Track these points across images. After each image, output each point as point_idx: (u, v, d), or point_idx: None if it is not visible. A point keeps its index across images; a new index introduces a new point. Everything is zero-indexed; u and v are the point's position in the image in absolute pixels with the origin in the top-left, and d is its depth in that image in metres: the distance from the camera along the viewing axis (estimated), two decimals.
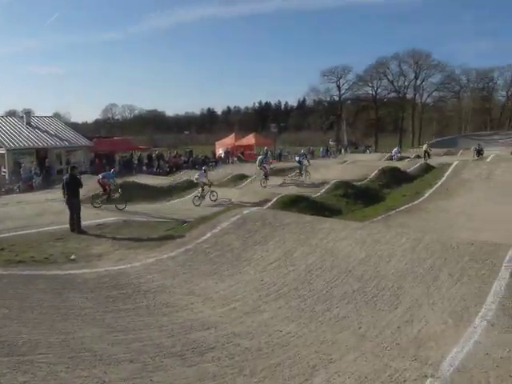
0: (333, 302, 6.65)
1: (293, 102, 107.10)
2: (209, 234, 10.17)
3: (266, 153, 25.40)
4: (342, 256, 7.80)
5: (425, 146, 39.46)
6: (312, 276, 7.45)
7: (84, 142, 34.65)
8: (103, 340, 5.50)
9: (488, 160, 27.61)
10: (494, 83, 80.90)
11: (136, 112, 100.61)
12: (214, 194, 19.00)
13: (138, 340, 5.58)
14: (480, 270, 6.51)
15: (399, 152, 40.18)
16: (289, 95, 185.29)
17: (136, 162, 37.70)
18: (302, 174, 24.54)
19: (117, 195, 17.37)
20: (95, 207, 16.44)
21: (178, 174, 32.56)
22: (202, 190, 18.94)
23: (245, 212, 10.90)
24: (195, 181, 19.52)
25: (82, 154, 33.82)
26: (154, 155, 39.13)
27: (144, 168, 36.60)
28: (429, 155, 35.83)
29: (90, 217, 13.19)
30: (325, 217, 13.68)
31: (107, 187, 17.27)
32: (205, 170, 20.21)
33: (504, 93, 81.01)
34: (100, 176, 17.90)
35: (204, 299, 7.13)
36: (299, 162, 24.92)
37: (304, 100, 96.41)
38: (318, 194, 19.23)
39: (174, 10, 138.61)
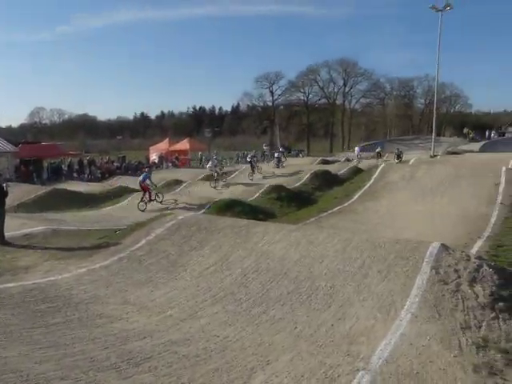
0: (269, 304, 6.73)
1: (227, 107, 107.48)
2: (143, 241, 9.94)
3: (216, 157, 26.61)
4: (276, 258, 7.91)
5: (378, 149, 41.41)
6: (248, 279, 7.50)
7: (8, 147, 32.70)
8: (30, 358, 5.20)
9: (410, 163, 29.12)
10: (414, 92, 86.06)
11: (66, 116, 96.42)
12: (160, 195, 18.69)
13: (69, 355, 5.34)
14: (405, 266, 6.85)
15: (361, 150, 41.98)
16: (223, 100, 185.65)
17: (66, 168, 36.16)
18: (254, 172, 27.39)
19: (160, 197, 18.89)
20: (141, 210, 17.42)
21: (110, 180, 31.59)
22: (148, 193, 18.37)
23: (180, 217, 10.77)
24: (140, 183, 18.72)
25: (5, 161, 31.89)
26: (85, 161, 37.74)
27: (75, 175, 35.19)
28: (381, 156, 37.57)
29: (15, 227, 12.45)
30: (260, 220, 13.84)
31: (148, 190, 18.51)
32: (149, 172, 19.96)
33: (422, 100, 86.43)
34: (141, 179, 18.79)
35: (139, 308, 6.96)
36: (250, 161, 28.05)
37: (238, 105, 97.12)
38: (253, 197, 19.40)
39: (105, 11, 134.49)
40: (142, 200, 18.25)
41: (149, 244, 9.73)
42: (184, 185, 24.93)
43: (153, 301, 7.23)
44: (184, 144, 48.73)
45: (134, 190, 22.88)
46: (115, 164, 39.51)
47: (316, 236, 8.33)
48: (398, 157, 35.59)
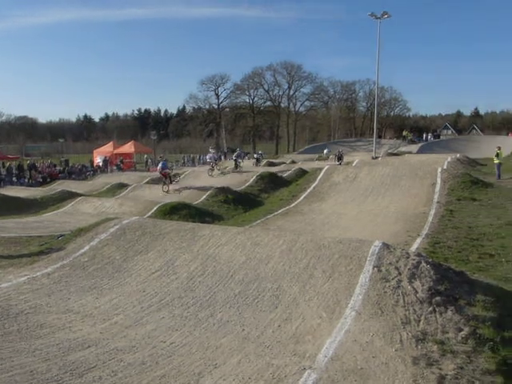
0: (216, 307, 6.70)
1: (173, 110, 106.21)
2: (87, 247, 9.61)
3: (165, 160, 27.28)
4: (223, 261, 7.89)
5: (339, 150, 42.16)
6: (194, 283, 7.43)
7: None
8: None
9: (354, 164, 30.01)
10: (356, 95, 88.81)
11: (3, 118, 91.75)
12: (177, 177, 23.33)
13: (5, 370, 5.05)
14: (348, 265, 7.03)
15: (330, 150, 42.88)
16: (169, 103, 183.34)
17: (4, 173, 34.38)
18: (237, 167, 31.58)
19: (177, 178, 24.02)
20: (165, 192, 21.84)
21: (53, 184, 30.38)
22: (168, 178, 22.24)
23: (124, 222, 10.51)
24: (160, 172, 22.54)
25: None
26: (25, 165, 36.06)
27: (14, 179, 33.52)
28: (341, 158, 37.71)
29: None
30: (206, 223, 13.77)
31: (168, 175, 22.78)
32: (166, 160, 24.43)
33: (364, 104, 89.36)
34: (160, 168, 22.82)
35: (83, 316, 6.72)
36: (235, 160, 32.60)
37: (184, 108, 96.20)
38: (200, 200, 19.27)
39: (44, 9, 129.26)
40: (164, 184, 22.45)
41: (93, 250, 9.43)
42: (129, 188, 24.38)
43: (97, 308, 7.00)
44: (129, 147, 47.79)
45: (77, 195, 22.17)
46: (57, 168, 38.05)
47: (262, 238, 8.37)
48: (339, 159, 36.35)
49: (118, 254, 9.05)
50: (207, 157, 30.35)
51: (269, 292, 6.83)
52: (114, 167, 41.30)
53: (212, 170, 28.44)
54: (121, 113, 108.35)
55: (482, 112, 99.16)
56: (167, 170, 22.88)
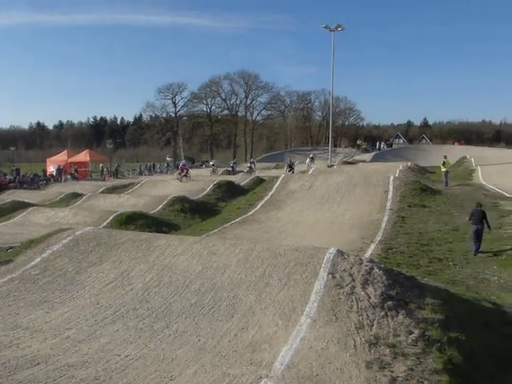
0: (172, 318, 6.61)
1: (129, 118, 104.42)
2: (38, 259, 9.26)
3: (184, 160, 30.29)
4: (179, 271, 7.80)
5: (310, 156, 42.23)
6: (150, 294, 7.31)
7: None
8: None
9: (310, 172, 30.44)
10: (312, 105, 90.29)
11: None
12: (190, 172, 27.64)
13: None
14: (304, 272, 7.10)
15: (312, 157, 43.42)
16: (125, 111, 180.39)
17: None
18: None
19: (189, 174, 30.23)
20: (182, 182, 28.13)
21: (3, 194, 29.15)
22: (186, 171, 29.15)
23: (77, 233, 10.21)
24: (181, 167, 30.51)
25: None
26: None
27: None
28: (292, 168, 36.48)
29: None
30: (163, 233, 13.59)
31: (186, 170, 30.04)
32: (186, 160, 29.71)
33: (320, 113, 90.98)
34: (181, 165, 32.55)
35: (32, 332, 6.45)
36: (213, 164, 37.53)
37: (141, 116, 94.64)
38: (156, 209, 19.03)
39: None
40: (180, 175, 29.26)
41: (44, 262, 9.09)
42: (83, 198, 23.76)
43: (48, 323, 6.75)
44: (84, 155, 46.60)
45: (29, 205, 21.40)
46: (8, 177, 36.57)
47: (218, 247, 8.35)
48: (290, 168, 35.92)
49: (70, 265, 8.78)
50: (181, 163, 34.38)
51: (225, 301, 6.81)
52: (68, 176, 40.15)
53: (184, 176, 29.66)
54: (75, 120, 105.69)
55: (430, 122, 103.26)
56: (187, 167, 31.68)
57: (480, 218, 11.51)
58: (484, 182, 23.38)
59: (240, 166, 51.23)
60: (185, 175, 29.18)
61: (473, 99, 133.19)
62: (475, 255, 11.18)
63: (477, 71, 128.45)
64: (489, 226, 11.60)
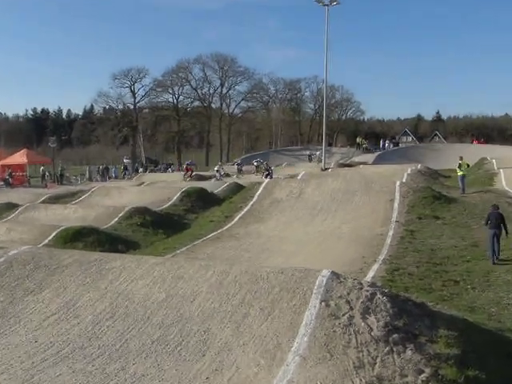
0: (128, 358, 6.54)
1: (78, 110, 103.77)
2: None
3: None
4: (137, 300, 7.74)
5: (266, 163, 42.39)
6: (102, 328, 7.23)
7: None
8: None
9: (299, 177, 30.61)
10: (302, 95, 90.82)
11: None
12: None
13: None
14: (291, 300, 7.11)
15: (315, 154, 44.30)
16: (72, 101, 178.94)
17: None
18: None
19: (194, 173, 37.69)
20: (187, 181, 34.25)
21: None
22: (191, 171, 37.26)
23: (11, 253, 10.05)
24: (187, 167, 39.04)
25: None
26: None
27: None
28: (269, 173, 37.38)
29: None
30: (119, 252, 13.49)
31: (191, 170, 37.83)
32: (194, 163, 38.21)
33: (312, 105, 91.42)
34: (186, 164, 40.57)
35: None
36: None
37: (92, 108, 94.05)
38: (110, 223, 18.90)
39: None
40: (186, 175, 37.60)
41: None
42: (19, 210, 23.46)
43: None
44: (20, 156, 46.06)
45: None
46: None
47: (186, 269, 8.31)
48: (267, 172, 35.76)
49: (1, 294, 8.64)
50: (186, 162, 42.44)
51: (195, 336, 6.77)
52: (1, 182, 39.64)
53: (190, 177, 37.11)
54: (10, 113, 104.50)
55: (444, 116, 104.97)
56: (192, 167, 39.73)
57: (498, 221, 12.68)
58: (508, 188, 23.82)
59: (213, 170, 51.26)
60: (190, 175, 37.04)
61: (494, 90, 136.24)
62: (494, 264, 12.22)
63: (498, 58, 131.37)
64: (506, 231, 12.73)
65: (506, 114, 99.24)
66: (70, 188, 34.55)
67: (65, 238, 16.06)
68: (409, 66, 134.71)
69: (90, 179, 46.29)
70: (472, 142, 62.92)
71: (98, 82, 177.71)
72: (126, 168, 50.87)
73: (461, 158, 24.06)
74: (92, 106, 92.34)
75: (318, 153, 47.98)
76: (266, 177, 34.02)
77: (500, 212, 13.06)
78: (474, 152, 41.97)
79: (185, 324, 7.04)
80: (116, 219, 19.50)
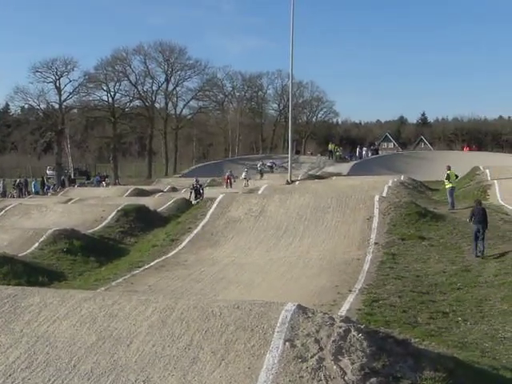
0: None
1: None
2: None
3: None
4: (61, 344, 7.59)
5: (196, 179, 42.59)
6: (16, 382, 7.02)
7: None
8: None
9: (260, 192, 30.71)
10: (264, 93, 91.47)
11: None
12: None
13: None
14: (249, 340, 7.09)
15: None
16: None
17: None
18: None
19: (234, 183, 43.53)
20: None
21: None
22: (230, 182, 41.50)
23: None
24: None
25: None
26: None
27: None
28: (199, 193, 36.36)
29: None
30: (38, 285, 13.23)
31: (230, 180, 43.81)
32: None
33: (276, 105, 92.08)
34: (228, 174, 44.61)
35: None
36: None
37: (7, 107, 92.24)
38: (29, 250, 18.54)
39: None
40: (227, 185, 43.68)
41: None
42: None
43: None
44: None
45: None
46: None
47: (121, 306, 8.22)
48: (197, 193, 32.89)
49: None
50: (227, 172, 46.21)
51: None
52: None
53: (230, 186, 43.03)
54: None
55: (430, 119, 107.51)
56: (233, 176, 45.21)
57: (482, 217, 15.72)
58: (503, 203, 24.46)
59: (157, 183, 51.01)
60: (230, 185, 42.79)
61: (487, 89, 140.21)
62: (478, 257, 15.28)
63: (491, 54, 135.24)
64: (486, 226, 15.79)
65: (501, 117, 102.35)
66: None
67: None
68: (390, 61, 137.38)
69: (4, 195, 45.53)
70: (462, 149, 64.59)
71: (14, 76, 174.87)
72: (47, 180, 50.17)
73: (448, 168, 24.58)
74: (7, 104, 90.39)
75: (277, 162, 48.54)
76: (194, 198, 32.00)
77: (484, 207, 16.43)
78: (464, 160, 43.07)
79: (120, 373, 6.94)
80: (36, 245, 19.12)
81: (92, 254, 18.92)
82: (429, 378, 6.63)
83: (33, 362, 7.40)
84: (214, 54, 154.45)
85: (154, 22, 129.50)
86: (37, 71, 75.85)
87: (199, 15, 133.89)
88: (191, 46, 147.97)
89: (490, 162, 40.33)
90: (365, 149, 66.30)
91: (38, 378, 7.10)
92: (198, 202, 28.47)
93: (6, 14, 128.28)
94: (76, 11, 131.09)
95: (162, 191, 41.58)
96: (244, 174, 45.86)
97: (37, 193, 47.28)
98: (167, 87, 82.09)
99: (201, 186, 34.33)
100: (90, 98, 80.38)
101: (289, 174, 42.78)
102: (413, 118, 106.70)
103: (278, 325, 7.25)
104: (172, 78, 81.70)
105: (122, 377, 6.90)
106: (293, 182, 39.98)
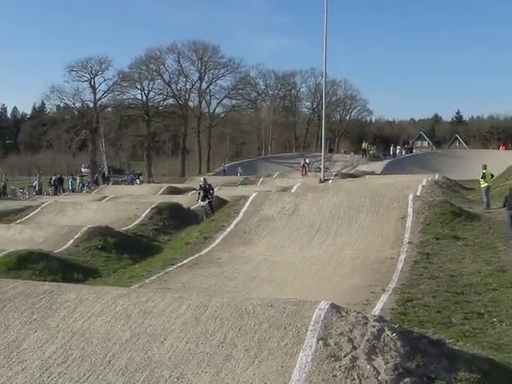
0: None
1: (26, 109, 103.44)
2: None
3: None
4: (96, 340, 7.67)
5: (204, 179, 42.54)
6: (52, 376, 7.14)
7: None
8: None
9: (293, 190, 30.65)
10: (297, 91, 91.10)
11: None
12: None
13: None
14: (282, 339, 7.09)
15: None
16: (19, 98, 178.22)
17: None
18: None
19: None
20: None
21: None
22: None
23: None
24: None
25: None
26: None
27: None
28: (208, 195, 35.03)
29: None
30: (73, 282, 13.39)
31: (305, 168, 50.69)
32: None
33: (309, 103, 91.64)
34: (302, 163, 51.40)
35: None
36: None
37: (43, 106, 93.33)
38: (64, 247, 18.77)
39: None
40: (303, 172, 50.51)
41: None
42: None
43: None
44: None
45: None
46: None
47: (155, 303, 8.26)
48: (205, 195, 27.14)
49: None
50: (303, 160, 52.84)
51: None
52: None
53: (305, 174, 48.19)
54: None
55: (465, 117, 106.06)
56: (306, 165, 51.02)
57: None
58: None
59: (190, 181, 51.07)
60: (305, 173, 47.48)
61: None
62: None
63: None
64: None
65: None
66: (15, 203, 34.27)
67: (7, 264, 15.87)
68: (424, 60, 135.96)
69: (40, 192, 46.06)
70: (498, 148, 63.54)
71: (50, 75, 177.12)
72: (82, 178, 50.73)
73: (484, 167, 24.24)
74: (43, 103, 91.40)
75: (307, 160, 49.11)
76: (202, 200, 26.84)
77: None
78: (500, 159, 42.31)
79: (154, 369, 6.98)
80: (71, 242, 19.35)
81: (126, 251, 19.06)
82: (463, 379, 6.55)
83: (68, 357, 7.48)
84: (247, 52, 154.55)
85: (182, 22, 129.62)
86: (72, 70, 77.06)
87: (229, 15, 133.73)
88: (224, 45, 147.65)
89: None
90: (399, 147, 65.74)
91: (73, 373, 7.18)
92: (209, 203, 26.06)
93: (44, 17, 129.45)
94: (110, 13, 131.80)
95: (195, 189, 41.66)
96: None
97: (72, 190, 47.79)
98: (200, 86, 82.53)
99: (210, 185, 31.39)
100: (124, 97, 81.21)
101: (322, 173, 42.63)
102: (447, 116, 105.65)
103: (312, 323, 7.23)
104: (205, 77, 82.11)
105: (155, 373, 6.94)
106: (326, 180, 39.78)
